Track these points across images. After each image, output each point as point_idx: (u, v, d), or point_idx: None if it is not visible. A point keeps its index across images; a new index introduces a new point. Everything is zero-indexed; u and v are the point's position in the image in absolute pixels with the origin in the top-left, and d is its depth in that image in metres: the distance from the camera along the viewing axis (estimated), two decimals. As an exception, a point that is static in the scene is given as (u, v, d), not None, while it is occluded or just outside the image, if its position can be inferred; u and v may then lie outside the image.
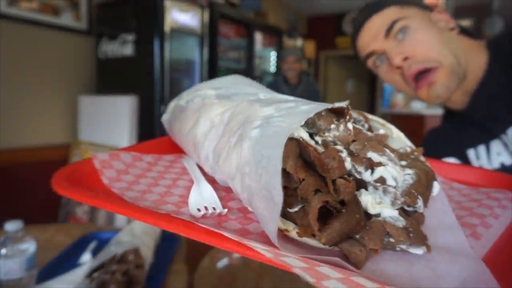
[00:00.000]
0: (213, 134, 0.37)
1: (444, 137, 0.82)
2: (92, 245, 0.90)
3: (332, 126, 0.30)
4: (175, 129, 0.47)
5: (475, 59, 0.72)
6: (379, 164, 0.27)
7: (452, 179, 0.45)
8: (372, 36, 0.75)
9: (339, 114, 0.31)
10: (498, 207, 0.36)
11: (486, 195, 0.40)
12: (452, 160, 0.76)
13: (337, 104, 0.31)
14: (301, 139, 0.27)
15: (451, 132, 0.81)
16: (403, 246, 0.27)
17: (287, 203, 0.28)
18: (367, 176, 0.27)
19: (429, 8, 0.76)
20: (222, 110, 0.38)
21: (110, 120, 2.37)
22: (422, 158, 0.31)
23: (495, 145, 0.70)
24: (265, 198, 0.25)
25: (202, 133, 0.39)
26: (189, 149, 0.44)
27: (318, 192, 0.26)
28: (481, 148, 0.72)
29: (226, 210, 0.32)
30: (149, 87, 2.29)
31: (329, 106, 0.29)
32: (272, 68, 3.85)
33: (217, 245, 0.25)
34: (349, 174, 0.27)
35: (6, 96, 2.11)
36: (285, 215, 0.28)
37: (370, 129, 0.33)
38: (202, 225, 0.27)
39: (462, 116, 0.77)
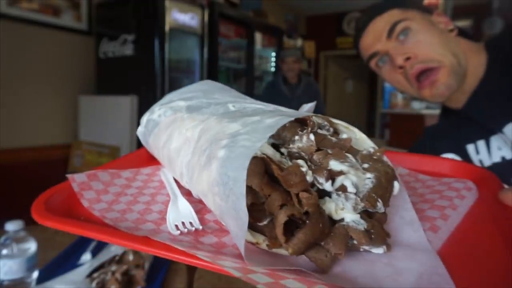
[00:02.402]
0: (185, 149, 0.38)
1: (442, 133, 0.83)
2: (92, 245, 0.91)
3: (296, 137, 0.32)
4: (151, 143, 0.48)
5: (475, 59, 0.75)
6: (340, 173, 0.29)
7: (420, 170, 0.48)
8: (374, 37, 0.77)
9: (304, 122, 0.33)
10: (457, 198, 0.38)
11: (447, 185, 0.42)
12: (451, 156, 0.78)
13: (301, 114, 0.32)
14: (265, 156, 0.29)
15: (449, 128, 0.82)
16: (366, 247, 0.29)
17: (256, 218, 0.29)
18: (328, 186, 0.29)
19: (429, 11, 0.79)
20: (193, 125, 0.39)
21: (110, 120, 2.38)
22: (385, 158, 0.32)
23: (495, 140, 0.72)
24: (233, 217, 0.27)
25: (175, 149, 0.40)
26: (165, 163, 0.45)
27: (284, 206, 0.27)
28: (481, 143, 0.74)
29: (201, 227, 0.34)
30: (149, 87, 2.29)
31: (292, 117, 0.30)
32: (272, 68, 3.85)
33: (193, 264, 0.27)
34: (313, 185, 0.29)
35: (6, 96, 2.11)
36: (255, 228, 0.30)
37: (336, 131, 0.34)
38: (177, 246, 0.28)
39: (460, 114, 0.79)
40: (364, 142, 0.34)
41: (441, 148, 0.80)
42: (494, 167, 0.71)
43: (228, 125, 0.33)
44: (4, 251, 0.73)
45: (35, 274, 0.76)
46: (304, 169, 0.28)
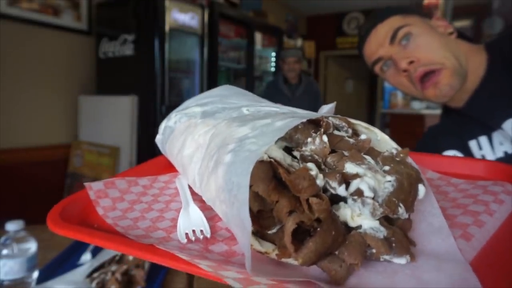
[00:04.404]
0: (198, 156, 0.37)
1: (444, 131, 0.86)
2: (92, 245, 0.91)
3: (309, 139, 0.30)
4: (167, 150, 0.48)
5: (475, 60, 0.77)
6: (355, 176, 0.27)
7: (452, 173, 0.44)
8: (378, 43, 0.80)
9: (319, 124, 0.31)
10: (494, 202, 0.35)
11: (483, 189, 0.38)
12: (453, 152, 0.79)
13: (314, 115, 0.30)
14: (272, 160, 0.27)
15: (451, 126, 0.84)
16: (386, 257, 0.27)
17: (265, 226, 0.28)
18: (341, 191, 0.27)
19: (429, 16, 0.82)
20: (205, 130, 0.38)
21: (110, 120, 2.38)
22: (409, 159, 0.30)
23: (497, 136, 0.74)
24: (238, 225, 0.25)
25: (188, 155, 0.39)
26: (180, 170, 0.45)
27: (293, 213, 0.25)
28: (483, 139, 0.75)
29: (208, 235, 0.33)
30: (149, 87, 2.29)
31: (304, 119, 0.29)
32: (272, 68, 3.85)
33: (197, 274, 0.26)
34: (326, 189, 0.27)
35: (6, 96, 2.11)
36: (264, 236, 0.28)
37: (355, 133, 0.33)
38: (183, 256, 0.27)
39: (461, 113, 0.81)
40: (386, 143, 0.32)
41: (443, 145, 0.81)
42: None
43: (237, 129, 0.32)
44: (5, 251, 0.73)
45: (35, 274, 0.76)
46: (313, 172, 0.26)
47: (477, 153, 0.76)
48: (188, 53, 2.64)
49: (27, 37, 2.19)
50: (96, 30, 2.53)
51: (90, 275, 0.76)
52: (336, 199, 0.28)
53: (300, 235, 0.25)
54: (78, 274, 0.77)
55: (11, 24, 2.10)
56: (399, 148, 0.31)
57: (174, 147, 0.44)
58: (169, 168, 0.51)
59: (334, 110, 0.40)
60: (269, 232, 0.28)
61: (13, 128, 2.16)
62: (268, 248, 0.28)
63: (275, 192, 0.26)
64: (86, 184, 0.42)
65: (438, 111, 3.59)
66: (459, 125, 0.81)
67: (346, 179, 0.27)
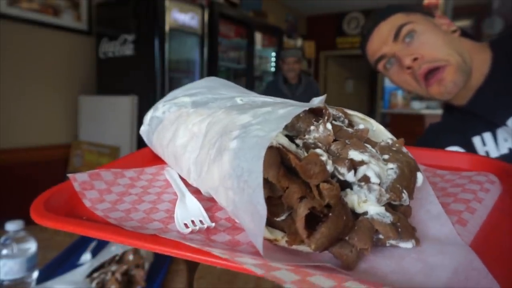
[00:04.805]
0: (192, 145, 0.36)
1: (446, 128, 0.85)
2: (92, 245, 0.91)
3: (312, 127, 0.30)
4: (155, 141, 0.46)
5: (479, 57, 0.77)
6: (361, 163, 0.27)
7: (436, 166, 0.46)
8: (381, 41, 0.80)
9: (318, 113, 0.31)
10: (481, 191, 0.37)
11: (469, 179, 0.40)
12: (455, 148, 0.79)
13: (315, 104, 0.30)
14: (281, 146, 0.27)
15: (453, 124, 0.84)
16: (393, 242, 0.27)
17: (273, 213, 0.27)
18: (350, 177, 0.27)
19: (431, 14, 0.82)
20: (200, 119, 0.37)
21: (110, 120, 2.38)
22: (404, 149, 0.31)
23: (501, 132, 0.73)
24: (250, 211, 0.25)
25: (181, 145, 0.38)
26: (170, 161, 0.43)
27: (303, 199, 0.25)
28: (487, 135, 0.75)
29: (213, 224, 0.32)
30: (149, 87, 2.29)
31: (306, 107, 0.29)
32: (272, 68, 3.85)
33: (207, 262, 0.25)
34: (333, 176, 0.27)
35: (6, 96, 2.11)
36: (272, 224, 0.28)
37: (351, 124, 0.33)
38: (190, 244, 0.26)
39: (464, 110, 0.81)
40: (381, 133, 0.33)
41: (445, 142, 0.81)
42: (502, 159, 0.72)
43: (238, 116, 0.31)
44: (4, 251, 0.73)
45: (35, 274, 0.77)
46: (323, 158, 0.26)
47: (480, 149, 0.76)
48: (188, 53, 2.64)
49: (27, 37, 2.19)
50: (96, 30, 2.53)
51: (90, 275, 0.76)
52: (342, 186, 0.27)
53: (308, 222, 0.25)
54: (78, 274, 0.77)
55: (11, 24, 2.10)
56: (394, 139, 0.31)
57: (164, 138, 0.42)
58: (155, 160, 0.50)
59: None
60: (278, 219, 0.28)
61: (13, 128, 2.16)
62: (277, 235, 0.27)
63: (285, 178, 0.26)
64: (70, 175, 0.40)
65: (438, 111, 3.59)
66: (462, 122, 0.81)
67: (353, 166, 0.27)
